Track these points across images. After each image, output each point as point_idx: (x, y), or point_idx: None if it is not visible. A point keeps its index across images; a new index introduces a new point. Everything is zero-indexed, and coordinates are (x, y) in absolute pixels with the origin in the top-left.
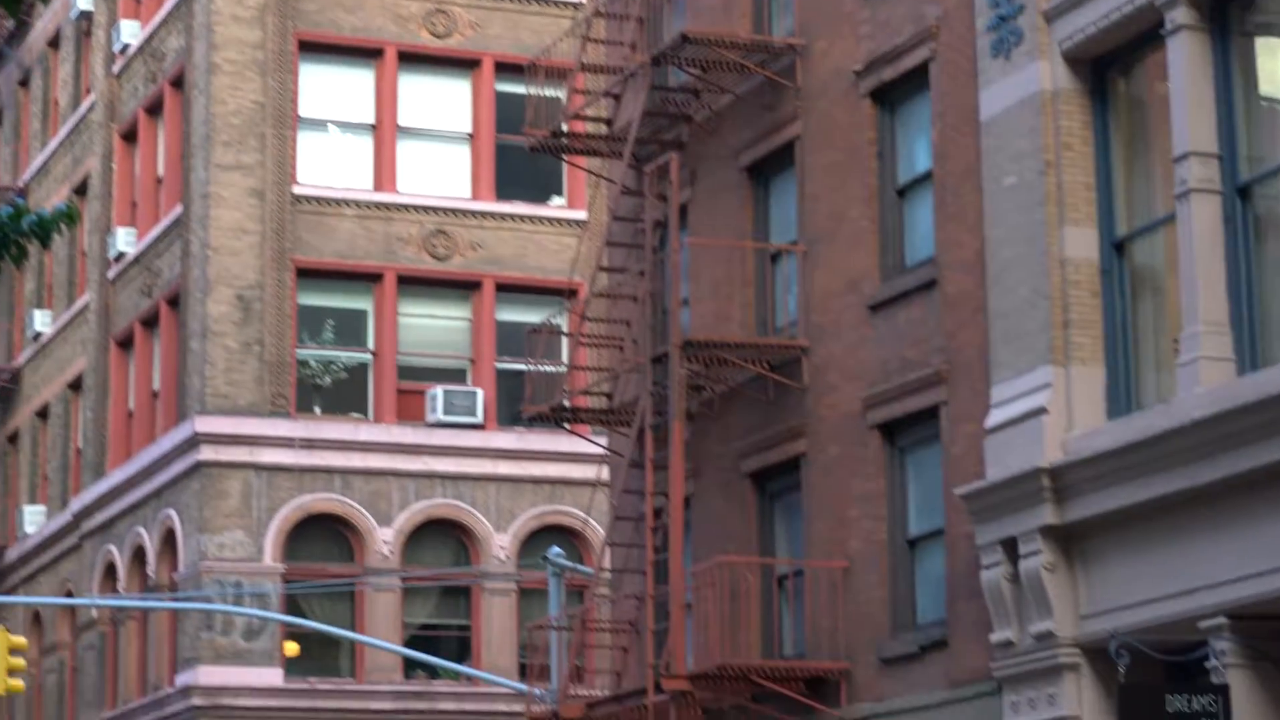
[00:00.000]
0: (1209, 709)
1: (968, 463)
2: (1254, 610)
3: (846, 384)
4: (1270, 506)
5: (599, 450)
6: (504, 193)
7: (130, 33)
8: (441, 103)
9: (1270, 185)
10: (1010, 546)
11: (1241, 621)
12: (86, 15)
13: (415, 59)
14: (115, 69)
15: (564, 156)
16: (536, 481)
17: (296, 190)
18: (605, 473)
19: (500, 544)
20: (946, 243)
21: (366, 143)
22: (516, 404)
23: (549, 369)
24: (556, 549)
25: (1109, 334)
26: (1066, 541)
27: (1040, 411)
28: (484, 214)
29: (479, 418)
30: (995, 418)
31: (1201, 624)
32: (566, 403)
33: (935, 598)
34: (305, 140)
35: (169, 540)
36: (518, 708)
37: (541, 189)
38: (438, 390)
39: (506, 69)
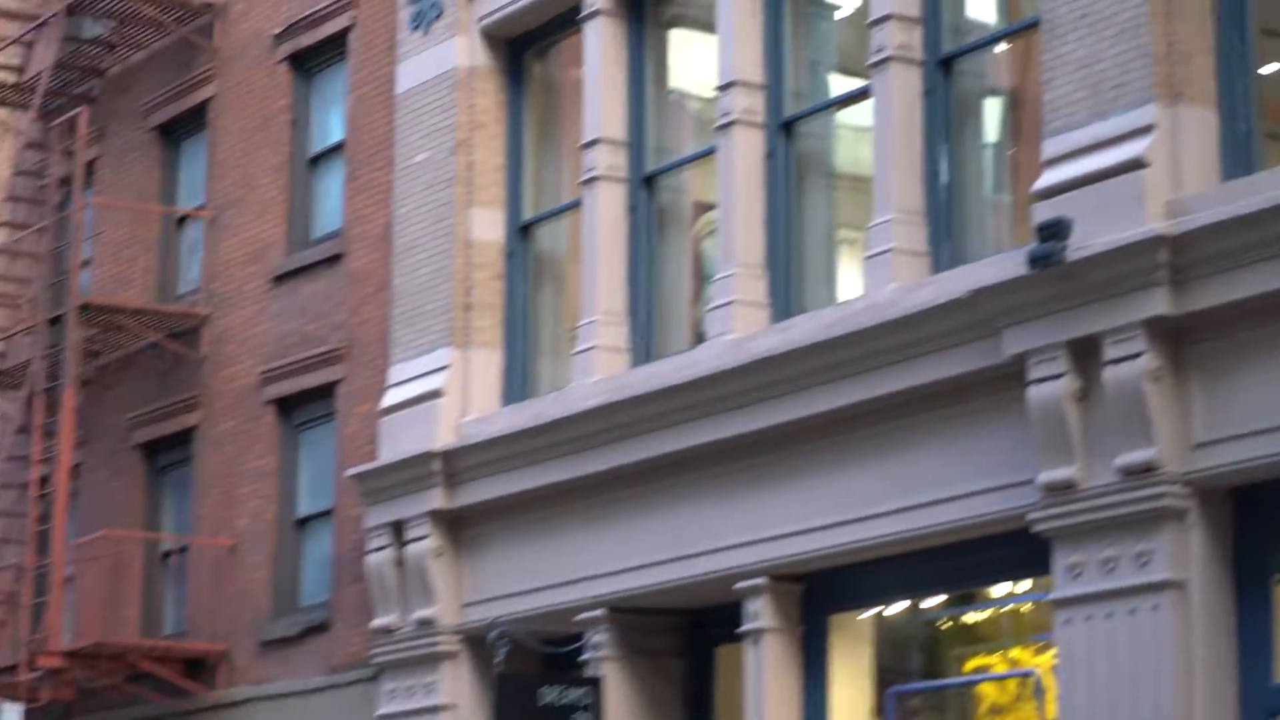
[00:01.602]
0: (582, 701)
1: (361, 443)
2: (631, 603)
3: (245, 356)
4: (653, 500)
5: None
6: None
7: None
8: None
9: (673, 176)
10: (398, 530)
11: (618, 614)
12: None
13: None
14: None
15: None
16: None
17: None
18: None
19: None
20: (354, 217)
21: None
22: None
23: None
24: None
25: (509, 318)
26: (455, 527)
27: (436, 394)
28: None
29: None
30: (391, 398)
31: (579, 616)
32: None
33: (321, 580)
34: None
35: None
36: None
37: None
38: None
39: None
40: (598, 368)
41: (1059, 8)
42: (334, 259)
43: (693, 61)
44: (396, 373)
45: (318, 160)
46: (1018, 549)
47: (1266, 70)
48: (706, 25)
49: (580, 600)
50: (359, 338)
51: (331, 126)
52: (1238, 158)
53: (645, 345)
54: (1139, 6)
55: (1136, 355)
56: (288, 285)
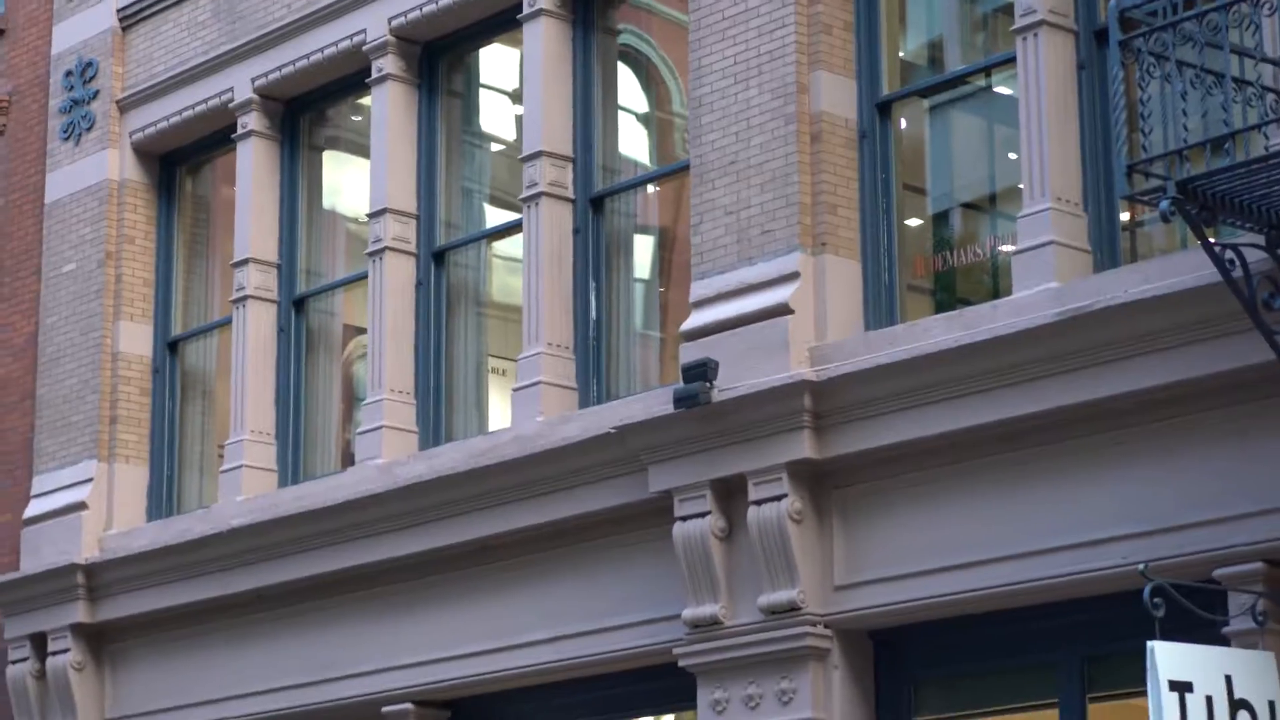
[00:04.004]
0: None
1: (3, 553)
2: None
3: None
4: (299, 621)
5: None
6: None
7: None
8: None
9: (324, 299)
10: (40, 642)
11: None
12: None
13: None
14: None
15: None
16: None
17: None
18: None
19: None
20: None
21: None
22: None
23: None
24: None
25: (156, 434)
26: (98, 641)
27: (80, 506)
28: None
29: None
30: (34, 509)
31: None
32: None
33: None
34: None
35: None
36: None
37: None
38: None
39: None
40: (245, 487)
41: (708, 153)
42: None
43: (347, 184)
44: (40, 483)
45: None
46: (665, 683)
47: (908, 224)
48: (361, 150)
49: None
50: (1, 446)
51: None
52: (879, 308)
53: (294, 466)
54: (786, 157)
55: (779, 497)
56: None
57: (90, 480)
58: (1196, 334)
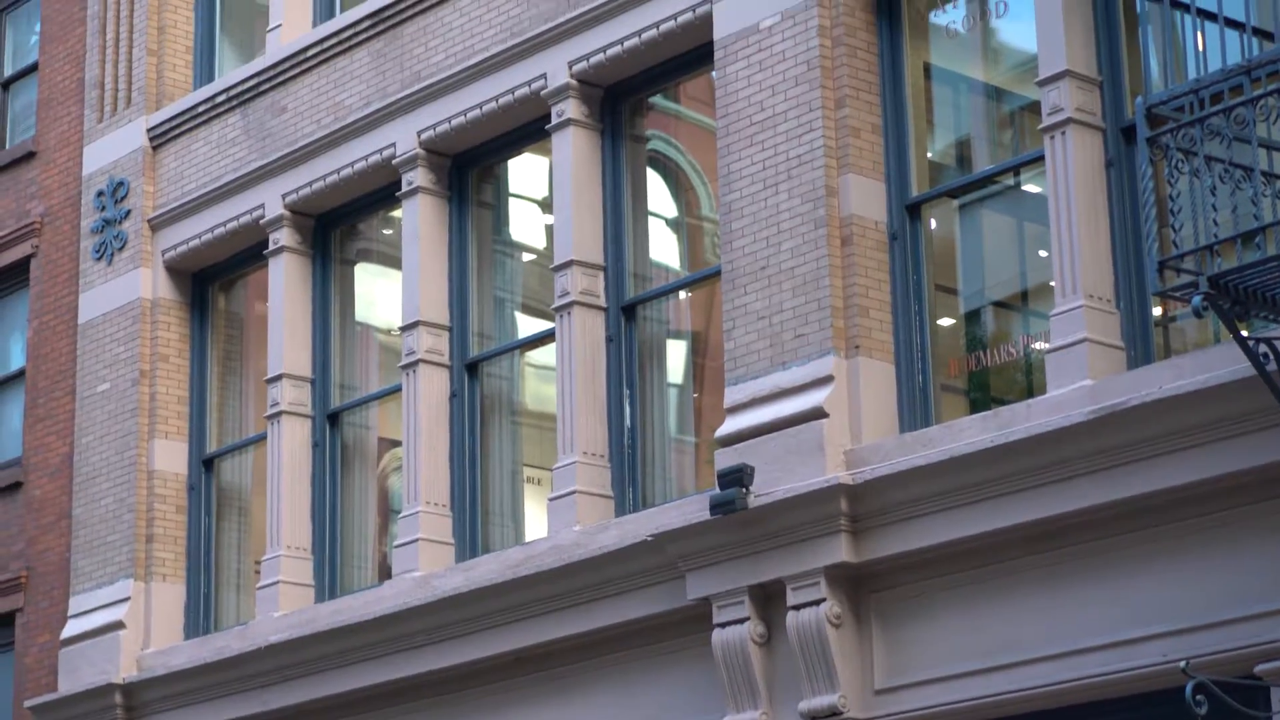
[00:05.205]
0: None
1: (42, 674)
2: None
3: None
4: None
5: None
6: None
7: None
8: None
9: (356, 413)
10: None
11: None
12: None
13: None
14: None
15: None
16: None
17: None
18: None
19: None
20: (35, 445)
21: None
22: None
23: None
24: None
25: (192, 551)
26: None
27: (117, 625)
28: None
29: None
30: (72, 629)
31: None
32: None
33: None
34: None
35: None
36: None
37: None
38: None
39: None
40: (283, 602)
41: (739, 259)
42: (13, 487)
43: (380, 297)
44: (78, 603)
45: None
46: None
47: (941, 324)
48: (393, 262)
49: None
50: (39, 567)
51: (12, 354)
52: (914, 410)
53: (330, 581)
54: (817, 260)
55: (818, 602)
56: None
57: (127, 599)
58: (1231, 429)
